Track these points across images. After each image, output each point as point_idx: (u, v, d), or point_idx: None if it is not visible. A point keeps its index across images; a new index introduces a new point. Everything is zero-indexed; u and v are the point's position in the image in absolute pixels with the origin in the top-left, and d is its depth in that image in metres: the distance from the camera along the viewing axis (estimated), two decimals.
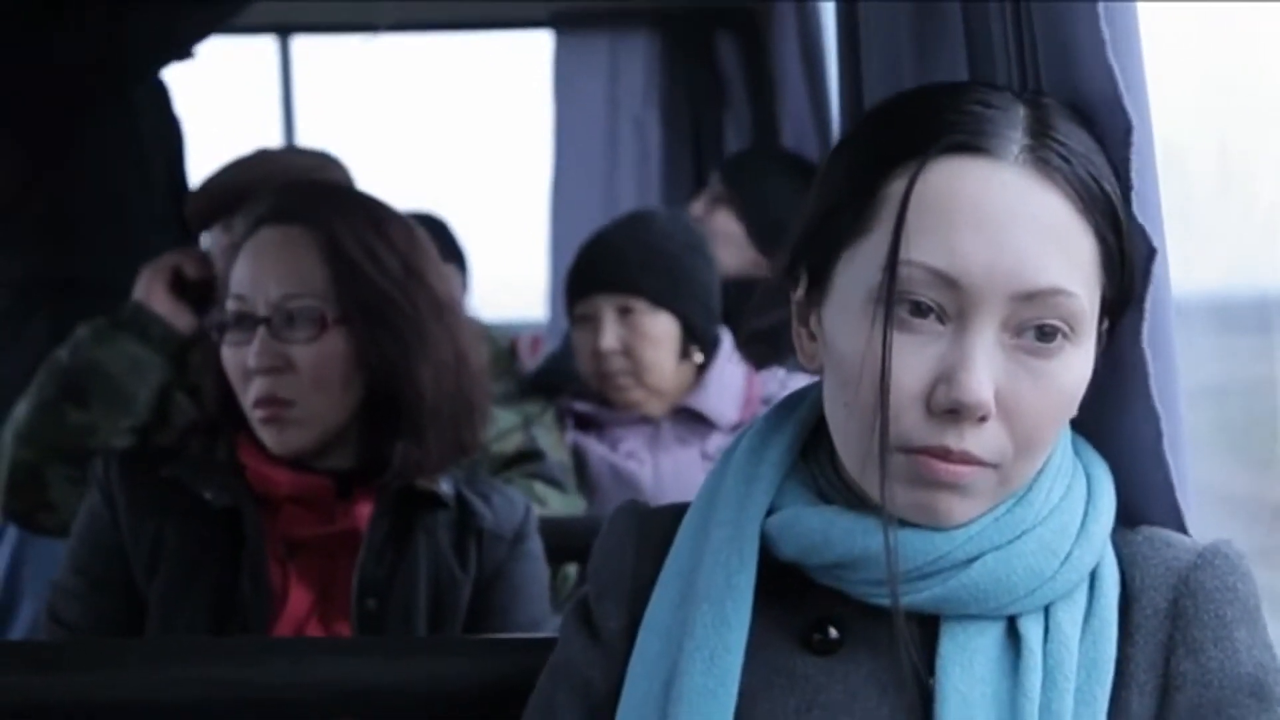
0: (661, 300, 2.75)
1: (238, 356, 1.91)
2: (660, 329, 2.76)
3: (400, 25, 4.39)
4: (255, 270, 1.90)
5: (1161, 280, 1.26)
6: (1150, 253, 1.22)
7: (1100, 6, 1.23)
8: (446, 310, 1.95)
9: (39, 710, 1.60)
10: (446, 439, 1.94)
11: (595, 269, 2.79)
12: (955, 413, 1.17)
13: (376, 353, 1.90)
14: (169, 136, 3.08)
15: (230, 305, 1.92)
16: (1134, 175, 1.23)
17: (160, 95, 3.08)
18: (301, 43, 4.55)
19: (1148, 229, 1.23)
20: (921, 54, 1.55)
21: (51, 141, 2.95)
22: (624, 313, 2.76)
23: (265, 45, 4.51)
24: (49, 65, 2.91)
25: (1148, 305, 1.24)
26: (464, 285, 3.48)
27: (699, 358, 2.80)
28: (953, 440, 1.17)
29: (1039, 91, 1.31)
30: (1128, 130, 1.22)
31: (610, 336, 2.75)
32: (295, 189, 2.00)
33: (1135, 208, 1.23)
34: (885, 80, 1.60)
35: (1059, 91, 1.28)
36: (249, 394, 1.91)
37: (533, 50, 4.53)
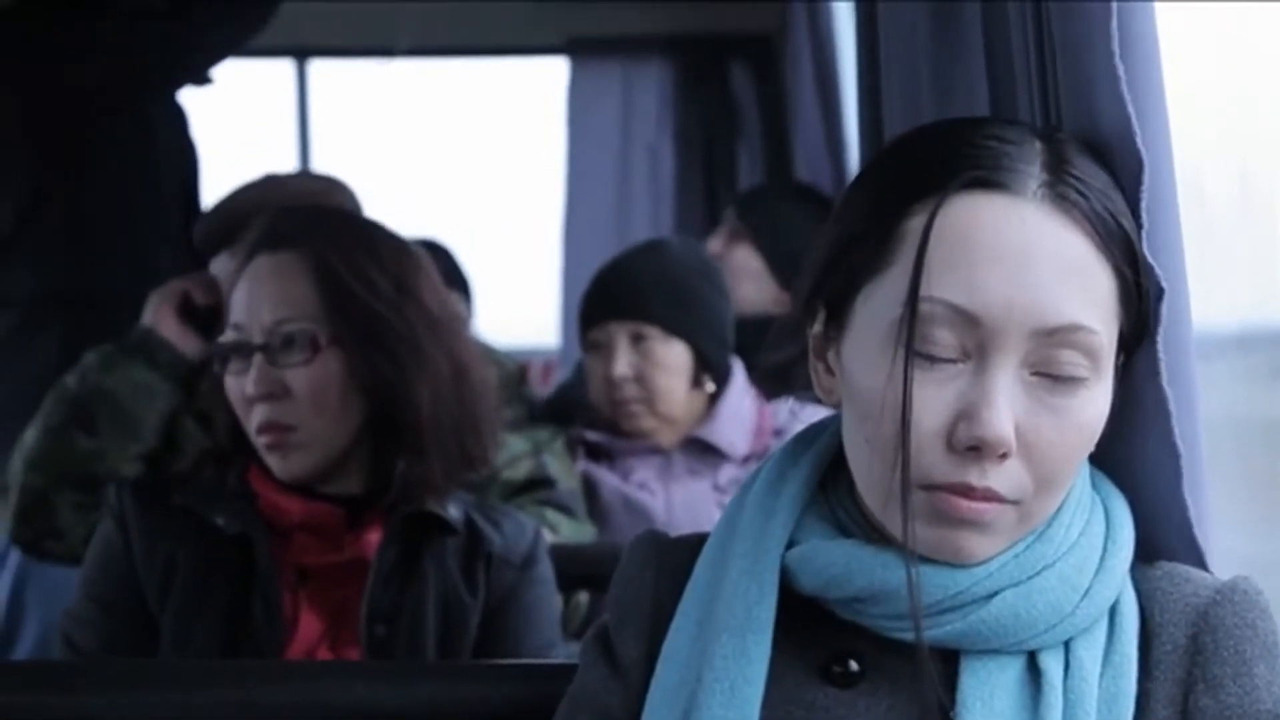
0: (675, 328, 2.76)
1: (238, 385, 1.92)
2: (673, 357, 2.76)
3: (416, 50, 4.41)
4: (249, 298, 1.92)
5: (1181, 317, 1.26)
6: (1159, 292, 1.22)
7: (1117, 41, 1.23)
8: (442, 327, 1.95)
9: None
10: (450, 455, 1.94)
11: (609, 296, 2.79)
12: (977, 450, 1.17)
13: (372, 373, 1.90)
14: (184, 157, 3.08)
15: (229, 335, 1.93)
16: (1150, 210, 1.23)
17: (177, 117, 3.09)
18: (318, 66, 4.57)
19: (1167, 264, 1.23)
20: (942, 86, 1.55)
21: (65, 158, 2.95)
22: (637, 339, 2.76)
23: (282, 68, 4.53)
24: (63, 82, 2.92)
25: (1160, 343, 1.23)
26: (468, 312, 3.48)
27: (711, 387, 2.80)
28: (975, 477, 1.17)
29: (1054, 127, 1.31)
30: (1139, 168, 1.22)
31: (623, 363, 2.75)
32: (286, 215, 2.01)
33: (1151, 243, 1.23)
34: (905, 114, 1.60)
35: (1078, 126, 1.28)
36: (251, 422, 1.92)
37: (547, 77, 4.55)
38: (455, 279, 3.40)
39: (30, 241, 2.94)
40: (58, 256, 2.94)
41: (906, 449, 1.17)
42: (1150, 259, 1.22)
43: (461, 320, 2.05)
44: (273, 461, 1.92)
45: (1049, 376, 1.18)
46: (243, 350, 1.91)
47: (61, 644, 1.95)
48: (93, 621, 1.93)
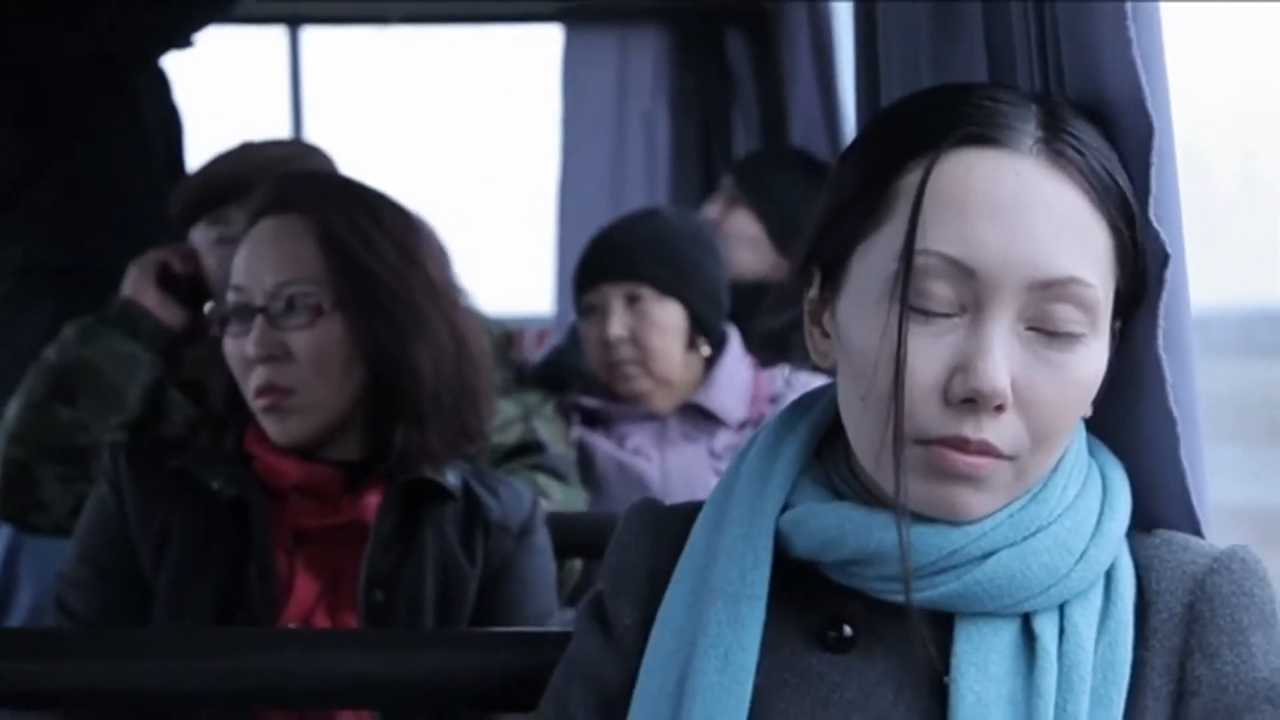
0: (668, 289, 2.77)
1: (238, 347, 1.92)
2: (667, 317, 2.78)
3: (411, 18, 4.40)
4: (252, 261, 1.92)
5: (1179, 286, 1.26)
6: (1164, 258, 1.22)
7: (1128, 6, 1.22)
8: (443, 295, 1.96)
9: (43, 697, 1.60)
10: (449, 425, 1.94)
11: (603, 259, 2.81)
12: (972, 402, 1.17)
13: (373, 338, 1.90)
14: (169, 124, 3.08)
15: (230, 297, 1.93)
16: (1154, 180, 1.23)
17: (160, 83, 3.08)
18: (311, 34, 4.55)
19: (1167, 235, 1.23)
20: (940, 56, 1.55)
21: (53, 129, 2.95)
22: (631, 301, 2.77)
23: (275, 36, 4.52)
24: (51, 53, 2.91)
25: (1161, 310, 1.23)
26: None
27: (706, 350, 2.82)
28: (970, 430, 1.18)
29: (1049, 92, 1.32)
30: (1149, 134, 1.22)
31: (618, 324, 2.76)
32: (290, 179, 2.01)
33: (1155, 213, 1.23)
34: (903, 83, 1.60)
35: (1082, 93, 1.28)
36: (250, 384, 1.92)
37: (542, 45, 4.53)
38: None
39: (19, 215, 2.94)
40: (47, 229, 2.94)
41: (900, 401, 1.17)
42: (1154, 220, 1.22)
43: (460, 290, 2.05)
44: (269, 425, 1.92)
45: (1045, 332, 1.19)
46: (244, 312, 1.91)
47: (54, 607, 1.95)
48: (86, 585, 1.93)
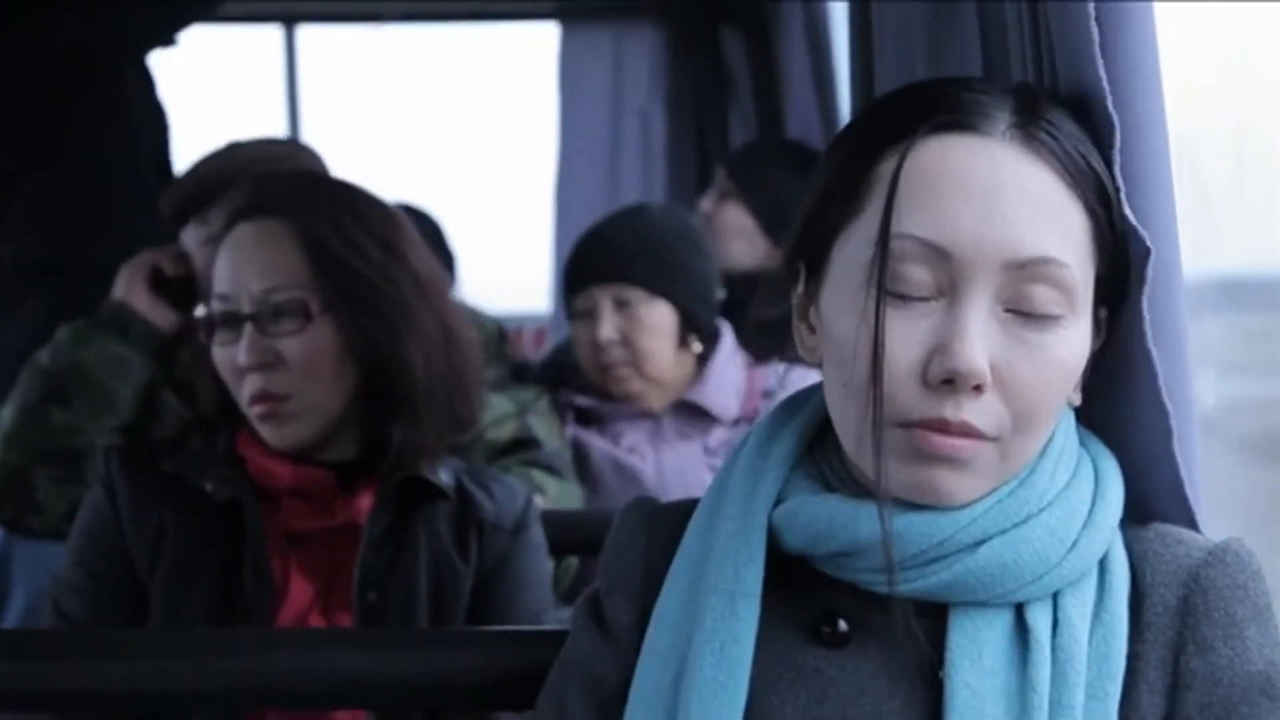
0: (657, 289, 2.77)
1: (228, 356, 1.91)
2: (658, 318, 2.77)
3: (406, 16, 4.40)
4: (235, 268, 1.90)
5: (1171, 278, 1.26)
6: (1145, 253, 1.22)
7: (1093, 5, 1.23)
8: (429, 288, 1.95)
9: (41, 699, 1.60)
10: (443, 417, 1.94)
11: (590, 262, 2.81)
12: (951, 384, 1.17)
13: (364, 338, 1.90)
14: (155, 122, 3.07)
15: (215, 305, 1.92)
16: (1142, 175, 1.23)
17: (147, 81, 3.08)
18: (307, 32, 4.56)
19: (1159, 226, 1.24)
20: (935, 54, 1.56)
21: (41, 126, 2.94)
22: (621, 303, 2.77)
23: (271, 35, 4.52)
24: (36, 50, 2.90)
25: (1145, 303, 1.23)
26: (453, 279, 3.45)
27: (698, 347, 2.81)
28: (950, 411, 1.18)
29: (1027, 84, 1.33)
30: (1110, 130, 1.23)
31: (608, 327, 2.76)
32: (267, 181, 2.00)
33: (1144, 208, 1.23)
34: (899, 80, 1.60)
35: (1068, 89, 1.28)
36: (243, 391, 1.91)
37: (538, 42, 4.54)
38: (439, 246, 3.39)
39: (10, 209, 2.94)
40: (37, 227, 2.94)
41: (879, 385, 1.18)
42: (1131, 215, 1.22)
43: (446, 281, 2.04)
44: (266, 432, 1.91)
45: (1023, 314, 1.19)
46: (232, 320, 1.90)
47: (50, 610, 1.94)
48: (81, 589, 1.93)
